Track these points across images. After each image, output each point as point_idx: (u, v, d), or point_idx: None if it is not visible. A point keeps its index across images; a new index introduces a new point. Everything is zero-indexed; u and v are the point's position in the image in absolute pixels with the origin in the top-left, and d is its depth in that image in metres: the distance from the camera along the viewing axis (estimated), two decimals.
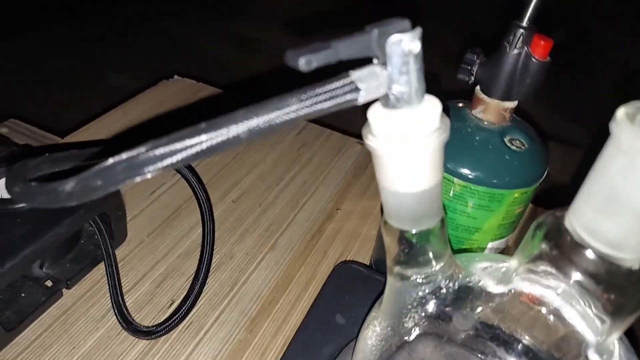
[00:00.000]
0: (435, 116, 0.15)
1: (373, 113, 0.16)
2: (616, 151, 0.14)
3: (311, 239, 0.44)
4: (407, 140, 0.16)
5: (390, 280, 0.21)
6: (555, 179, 0.46)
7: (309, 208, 0.47)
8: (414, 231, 0.18)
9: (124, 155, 0.15)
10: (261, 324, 0.37)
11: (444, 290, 0.20)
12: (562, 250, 0.16)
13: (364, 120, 0.17)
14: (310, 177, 0.51)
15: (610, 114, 0.14)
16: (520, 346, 0.22)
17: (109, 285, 0.36)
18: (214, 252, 0.41)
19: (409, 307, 0.21)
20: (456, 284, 0.20)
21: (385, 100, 0.15)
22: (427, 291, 0.20)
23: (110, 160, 0.15)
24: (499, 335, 0.24)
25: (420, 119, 0.15)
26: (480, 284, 0.21)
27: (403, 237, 0.19)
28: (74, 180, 0.16)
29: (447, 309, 0.22)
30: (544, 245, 0.17)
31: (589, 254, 0.15)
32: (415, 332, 0.24)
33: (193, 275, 0.38)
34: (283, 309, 0.38)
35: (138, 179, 0.15)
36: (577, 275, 0.17)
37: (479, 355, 0.26)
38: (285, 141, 0.55)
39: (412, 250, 0.19)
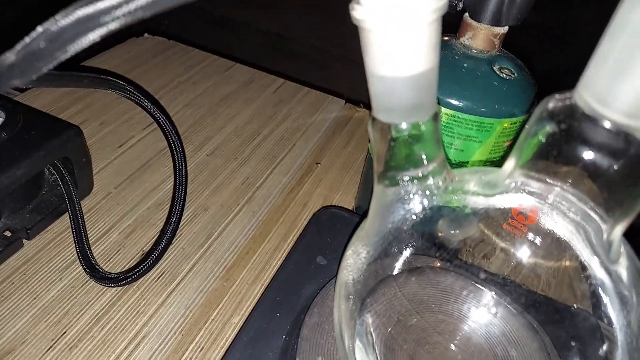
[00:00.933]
0: None
1: None
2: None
3: (290, 192, 0.43)
4: (401, 10, 0.14)
5: (378, 191, 0.20)
6: None
7: (287, 163, 0.46)
8: (404, 125, 0.17)
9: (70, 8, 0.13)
10: (238, 272, 0.35)
11: (434, 199, 0.18)
12: (570, 130, 0.15)
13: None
14: (287, 132, 0.49)
15: None
16: (514, 272, 0.21)
17: (72, 231, 0.33)
18: (186, 202, 0.39)
19: (397, 220, 0.19)
20: (447, 191, 0.19)
21: None
22: (416, 198, 0.18)
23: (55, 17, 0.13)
24: (490, 259, 0.23)
25: None
26: (471, 196, 0.19)
27: (392, 132, 0.17)
28: (14, 50, 0.14)
29: (436, 225, 0.21)
30: (549, 128, 0.15)
31: (603, 125, 0.14)
32: (402, 256, 0.23)
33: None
34: (261, 259, 0.37)
35: (92, 35, 0.13)
36: (580, 167, 0.16)
37: (472, 282, 0.25)
38: (260, 98, 0.53)
39: (402, 148, 0.17)
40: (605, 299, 0.17)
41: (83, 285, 0.33)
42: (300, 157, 0.46)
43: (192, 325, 0.32)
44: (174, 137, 0.34)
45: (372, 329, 0.24)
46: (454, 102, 0.28)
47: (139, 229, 0.37)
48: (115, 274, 0.32)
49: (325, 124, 0.51)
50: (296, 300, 0.28)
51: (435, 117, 0.17)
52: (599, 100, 0.14)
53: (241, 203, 0.41)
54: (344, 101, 0.54)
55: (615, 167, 0.15)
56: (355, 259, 0.22)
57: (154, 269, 0.34)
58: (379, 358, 0.23)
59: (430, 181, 0.18)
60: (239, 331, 0.27)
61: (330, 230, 0.33)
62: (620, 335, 0.17)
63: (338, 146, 0.48)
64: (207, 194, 0.41)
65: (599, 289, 0.17)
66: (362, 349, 0.23)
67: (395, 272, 0.22)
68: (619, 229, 0.16)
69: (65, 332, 0.30)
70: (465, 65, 0.28)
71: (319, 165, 0.46)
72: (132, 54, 0.57)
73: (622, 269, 0.17)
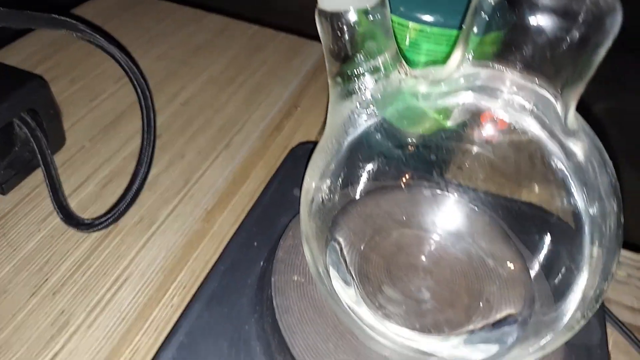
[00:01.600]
0: None
1: None
2: None
3: (269, 135, 0.42)
4: None
5: (332, 94, 0.19)
6: None
7: (265, 107, 0.45)
8: (351, 13, 0.16)
9: None
10: (218, 214, 0.35)
11: (389, 94, 0.18)
12: (511, 6, 0.14)
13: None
14: (264, 78, 0.48)
15: None
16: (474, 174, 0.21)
17: (46, 182, 0.33)
18: (162, 151, 0.39)
19: (353, 122, 0.19)
20: (401, 86, 0.18)
21: None
22: (369, 94, 0.18)
23: None
24: (456, 164, 0.23)
25: None
26: (425, 92, 0.19)
27: (339, 22, 0.16)
28: None
29: (393, 126, 0.20)
30: (488, 8, 0.15)
31: None
32: (364, 164, 0.22)
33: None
34: (241, 200, 0.36)
35: None
36: (525, 44, 0.15)
37: (440, 192, 0.25)
38: (235, 46, 0.52)
39: (350, 37, 0.17)
40: (569, 179, 0.17)
41: (62, 234, 0.33)
42: (279, 101, 0.45)
43: (174, 265, 0.32)
44: (132, 68, 0.32)
45: (345, 252, 0.24)
46: (422, 15, 0.27)
47: (115, 179, 0.37)
48: (92, 218, 0.32)
49: (305, 68, 0.50)
50: (273, 229, 0.28)
51: (383, 3, 0.16)
52: None
53: (219, 149, 0.40)
54: None
55: (562, 36, 0.14)
56: (316, 174, 0.22)
57: (133, 214, 0.34)
58: (354, 278, 0.23)
59: (384, 74, 0.17)
60: (216, 262, 0.27)
61: (306, 164, 0.33)
62: (585, 215, 0.17)
63: (318, 89, 0.47)
64: (183, 141, 0.40)
65: (564, 169, 0.17)
66: (336, 274, 0.23)
67: (360, 183, 0.22)
68: (572, 104, 0.16)
69: (47, 279, 0.30)
70: None
71: (298, 108, 0.45)
72: (100, 10, 0.55)
73: (580, 144, 0.17)
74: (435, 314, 0.23)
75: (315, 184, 0.21)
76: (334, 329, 0.22)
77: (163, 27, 0.53)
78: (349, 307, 0.22)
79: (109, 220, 0.32)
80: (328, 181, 0.21)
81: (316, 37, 0.58)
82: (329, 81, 0.18)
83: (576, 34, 0.14)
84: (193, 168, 0.38)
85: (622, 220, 0.17)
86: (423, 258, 0.24)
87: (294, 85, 0.47)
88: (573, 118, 0.16)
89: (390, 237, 0.25)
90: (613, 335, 0.32)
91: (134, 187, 0.33)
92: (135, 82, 0.32)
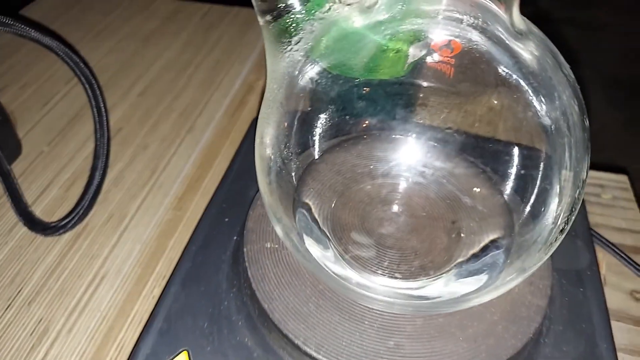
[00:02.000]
0: None
1: None
2: None
3: (233, 113, 0.41)
4: None
5: (267, 39, 0.18)
6: None
7: (226, 85, 0.43)
8: None
9: None
10: (190, 200, 0.34)
11: (327, 25, 0.17)
12: None
13: None
14: (222, 56, 0.46)
15: None
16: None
17: (5, 191, 0.31)
18: (124, 144, 0.37)
19: (296, 64, 0.18)
20: (341, 14, 0.17)
21: None
22: (306, 27, 0.16)
23: None
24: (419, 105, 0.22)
25: None
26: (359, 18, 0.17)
27: None
28: None
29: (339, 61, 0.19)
30: None
31: None
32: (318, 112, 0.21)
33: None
34: (212, 182, 0.35)
35: None
36: None
37: (405, 136, 0.24)
38: (188, 28, 0.50)
39: None
40: (522, 83, 0.16)
41: (31, 243, 0.31)
42: (239, 77, 0.44)
43: (151, 257, 0.31)
44: (70, 55, 0.31)
45: (316, 215, 0.23)
46: None
47: (78, 180, 0.35)
48: (56, 221, 0.31)
49: (261, 39, 0.48)
50: (243, 203, 0.27)
51: None
52: None
53: (182, 134, 0.39)
54: None
55: None
56: (266, 138, 0.21)
57: (102, 213, 0.33)
58: (330, 239, 0.22)
59: (319, 6, 0.16)
60: (187, 243, 0.26)
61: None
62: (547, 119, 0.16)
63: None
64: (145, 132, 0.39)
65: (515, 74, 0.16)
66: (311, 239, 0.22)
67: (316, 140, 0.21)
68: (514, 5, 0.15)
69: (20, 290, 0.29)
70: None
71: (260, 81, 0.44)
72: (45, 11, 0.53)
73: (531, 45, 0.16)
74: (420, 258, 0.22)
75: (269, 150, 0.20)
76: (313, 289, 0.21)
77: (111, 20, 0.51)
78: (330, 270, 0.21)
79: (74, 220, 0.30)
80: (282, 145, 0.20)
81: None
82: (260, 22, 0.17)
83: None
84: (158, 157, 0.37)
85: (587, 123, 0.16)
86: (397, 206, 0.24)
87: (253, 58, 0.46)
88: (519, 19, 0.15)
89: (359, 190, 0.24)
90: (605, 258, 0.32)
91: (94, 182, 0.31)
92: (76, 69, 0.31)
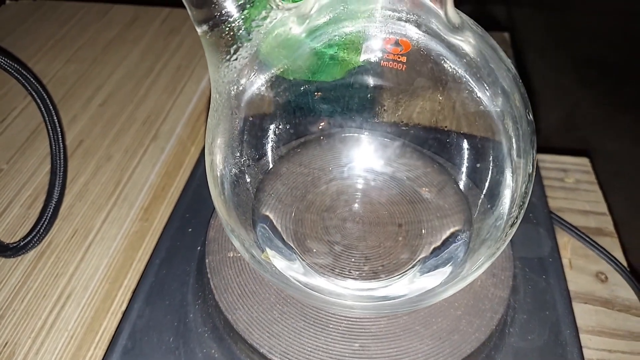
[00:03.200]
0: None
1: None
2: None
3: (197, 118, 0.40)
4: None
5: (207, 49, 0.17)
6: None
7: (189, 90, 0.43)
8: None
9: None
10: (156, 210, 0.33)
11: (269, 33, 0.16)
12: None
13: None
14: (184, 61, 0.46)
15: None
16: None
17: None
18: (87, 156, 0.37)
19: (238, 72, 0.17)
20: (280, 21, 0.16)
21: None
22: (244, 36, 0.16)
23: None
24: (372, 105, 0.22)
25: None
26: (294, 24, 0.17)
27: None
28: None
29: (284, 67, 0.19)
30: None
31: None
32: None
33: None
34: (179, 191, 0.34)
35: None
36: None
37: (360, 134, 0.24)
38: (148, 34, 0.49)
39: None
40: (463, 75, 0.16)
41: None
42: (203, 81, 0.43)
43: (118, 271, 0.30)
44: (26, 77, 0.30)
45: (278, 227, 0.23)
46: None
47: (40, 196, 0.34)
48: (17, 241, 0.30)
49: None
50: (207, 212, 0.27)
51: None
52: None
53: (146, 143, 0.38)
54: None
55: None
56: (216, 152, 0.20)
57: (65, 229, 0.32)
58: (296, 251, 0.22)
59: (254, 13, 0.16)
60: (150, 256, 0.25)
61: None
62: (492, 110, 0.16)
63: None
64: (108, 143, 0.38)
65: (456, 67, 0.16)
66: (275, 254, 0.22)
67: (269, 149, 0.20)
68: (449, 5, 0.15)
69: None
70: None
71: None
72: None
73: (468, 39, 0.16)
74: (384, 257, 0.22)
75: (219, 164, 0.20)
76: (277, 296, 0.21)
77: (68, 29, 0.50)
78: (296, 280, 0.21)
79: (35, 239, 0.30)
80: (232, 158, 0.20)
81: None
82: (198, 31, 0.17)
83: None
84: (122, 168, 0.36)
85: (531, 117, 0.16)
86: (357, 206, 0.24)
87: None
88: (454, 13, 0.15)
89: (319, 195, 0.24)
90: (570, 242, 0.32)
91: (53, 199, 0.31)
92: (26, 84, 0.30)
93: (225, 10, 0.16)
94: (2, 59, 0.29)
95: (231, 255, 0.23)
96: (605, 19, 1.33)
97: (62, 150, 0.31)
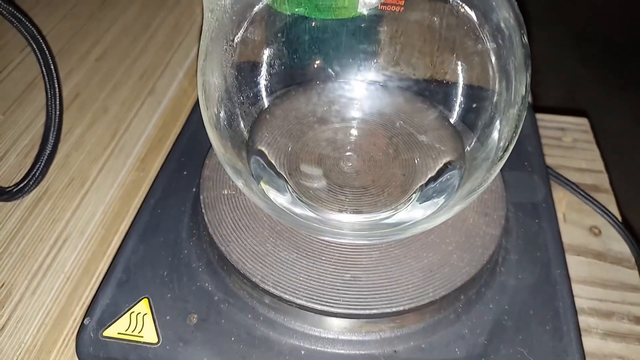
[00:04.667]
0: None
1: None
2: None
3: (195, 73, 0.40)
4: None
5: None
6: None
7: (186, 47, 0.42)
8: None
9: None
10: (152, 160, 0.33)
11: None
12: None
13: None
14: (181, 17, 0.45)
15: None
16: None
17: None
18: (83, 108, 0.36)
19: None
20: None
21: None
22: None
23: None
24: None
25: None
26: None
27: None
28: None
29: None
30: None
31: None
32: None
33: None
34: None
35: None
36: None
37: (354, 80, 0.24)
38: None
39: None
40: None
41: None
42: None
43: (114, 218, 0.30)
44: (20, 20, 0.30)
45: (272, 160, 0.23)
46: None
47: (36, 146, 0.34)
48: (13, 185, 0.30)
49: None
50: (202, 156, 0.27)
51: None
52: None
53: (143, 96, 0.38)
54: None
55: None
56: (212, 83, 0.20)
57: (62, 177, 0.32)
58: (288, 182, 0.22)
59: None
60: (145, 196, 0.25)
61: None
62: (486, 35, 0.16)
63: None
64: (104, 95, 0.38)
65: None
66: (267, 185, 0.22)
67: (266, 88, 0.20)
68: None
69: None
70: None
71: None
72: None
73: None
74: (382, 190, 0.22)
75: (214, 94, 0.20)
76: (270, 230, 0.21)
77: None
78: (290, 211, 0.21)
79: (32, 183, 0.30)
80: (230, 92, 0.19)
81: None
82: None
83: None
84: (119, 120, 0.36)
85: (526, 40, 0.16)
86: (354, 145, 0.24)
87: None
88: None
89: (314, 135, 0.24)
90: (566, 197, 0.33)
91: (49, 142, 0.31)
92: (21, 27, 0.29)
93: None
94: (5, 7, 0.29)
95: (226, 192, 0.23)
96: None
97: (57, 95, 0.31)
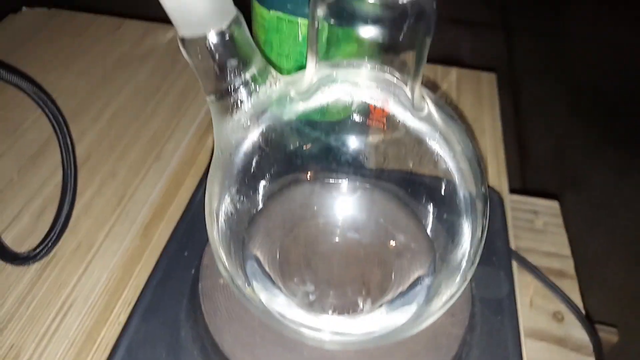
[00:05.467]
0: None
1: None
2: None
3: (199, 140, 0.43)
4: None
5: (213, 110, 0.20)
6: None
7: (192, 112, 0.45)
8: (211, 34, 0.18)
9: None
10: (155, 228, 0.36)
11: (266, 105, 0.19)
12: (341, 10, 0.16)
13: None
14: (189, 82, 0.48)
15: None
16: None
17: None
18: (93, 171, 0.39)
19: (239, 129, 0.20)
20: (277, 96, 0.19)
21: None
22: (247, 105, 0.19)
23: None
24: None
25: None
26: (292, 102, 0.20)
27: (203, 46, 0.18)
28: None
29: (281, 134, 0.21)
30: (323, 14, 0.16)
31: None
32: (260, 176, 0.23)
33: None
34: (177, 210, 0.37)
35: None
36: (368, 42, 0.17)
37: (343, 180, 0.26)
38: (156, 51, 0.52)
39: (216, 57, 0.18)
40: (434, 145, 0.19)
41: (1, 272, 0.33)
42: (205, 104, 0.46)
43: (117, 284, 0.33)
44: (45, 101, 0.33)
45: (264, 264, 0.25)
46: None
47: (49, 207, 0.37)
48: (26, 251, 0.33)
49: None
50: (203, 237, 0.30)
51: (237, 20, 0.18)
52: None
53: (149, 161, 0.41)
54: None
55: (393, 33, 0.16)
56: (215, 194, 0.23)
57: (70, 241, 0.35)
58: (280, 287, 0.25)
59: (257, 87, 0.19)
60: (149, 276, 0.28)
61: None
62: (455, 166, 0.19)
63: None
64: (114, 159, 0.41)
65: (428, 139, 0.19)
66: (261, 287, 0.24)
67: (260, 191, 0.23)
68: (417, 85, 0.18)
69: None
70: None
71: None
72: (13, 32, 0.54)
73: (428, 120, 0.19)
74: (359, 295, 0.25)
75: (217, 205, 0.22)
76: (259, 323, 0.24)
77: (80, 42, 0.53)
78: (280, 314, 0.23)
79: (43, 251, 0.32)
80: (228, 199, 0.22)
81: None
82: (206, 98, 0.19)
83: (403, 31, 0.16)
84: (126, 185, 0.39)
85: (484, 190, 0.19)
86: (338, 247, 0.26)
87: None
88: (419, 99, 0.19)
89: (303, 234, 0.27)
90: (533, 282, 0.35)
91: (63, 214, 0.33)
92: (45, 108, 0.32)
93: (233, 84, 0.18)
94: (32, 89, 0.32)
95: (222, 282, 0.26)
96: (599, 49, 1.37)
97: (72, 167, 0.34)
